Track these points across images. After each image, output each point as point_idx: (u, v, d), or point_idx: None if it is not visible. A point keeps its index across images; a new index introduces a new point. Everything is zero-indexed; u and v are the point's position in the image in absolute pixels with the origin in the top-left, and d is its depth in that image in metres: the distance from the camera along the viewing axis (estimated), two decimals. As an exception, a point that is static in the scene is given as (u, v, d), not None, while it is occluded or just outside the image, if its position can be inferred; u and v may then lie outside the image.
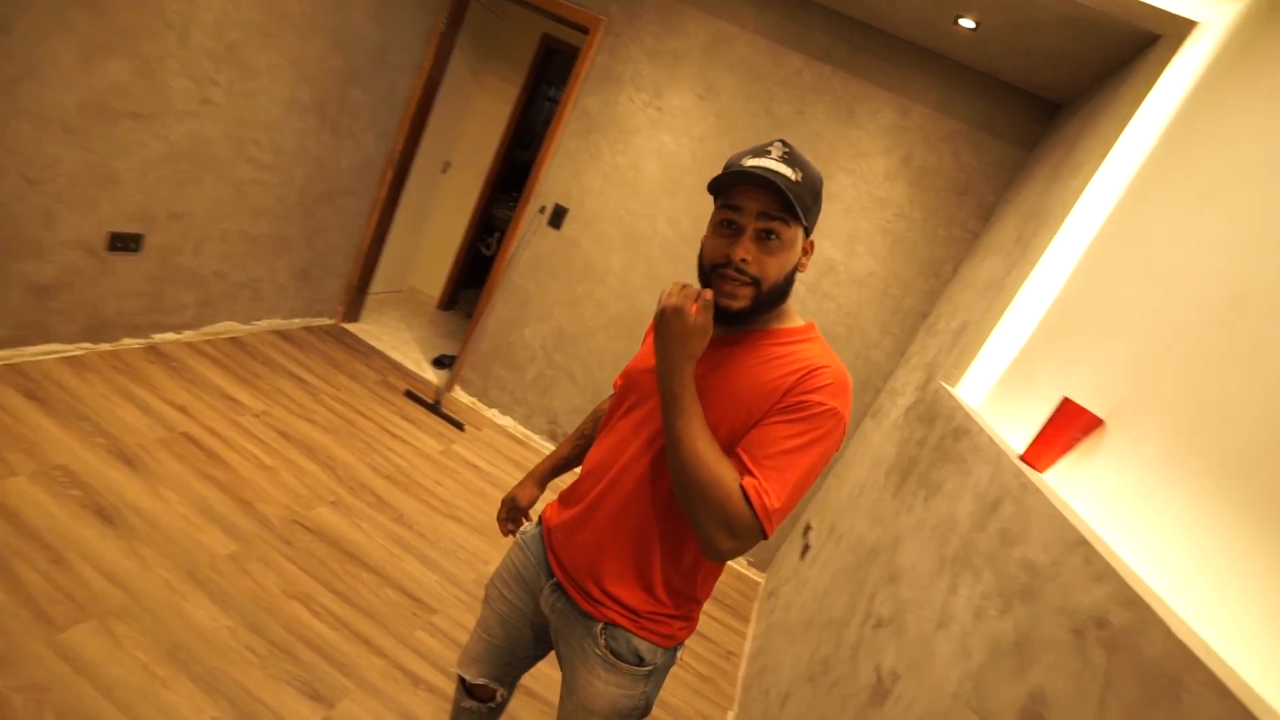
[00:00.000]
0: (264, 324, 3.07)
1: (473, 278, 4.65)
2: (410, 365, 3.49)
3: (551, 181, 2.98)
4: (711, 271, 0.87)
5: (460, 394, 3.34)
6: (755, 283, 0.85)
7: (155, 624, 1.51)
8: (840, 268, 2.68)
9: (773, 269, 0.86)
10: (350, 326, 3.60)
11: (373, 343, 3.53)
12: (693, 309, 0.82)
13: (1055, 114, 2.35)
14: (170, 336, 2.62)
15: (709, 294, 0.85)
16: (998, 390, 1.60)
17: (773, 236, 0.85)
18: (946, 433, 1.57)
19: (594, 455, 1.03)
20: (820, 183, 0.89)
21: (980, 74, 2.42)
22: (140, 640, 1.46)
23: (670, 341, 0.83)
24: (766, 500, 0.78)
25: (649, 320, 2.93)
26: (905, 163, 2.54)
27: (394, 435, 2.74)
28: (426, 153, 3.71)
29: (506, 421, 3.27)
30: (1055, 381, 1.31)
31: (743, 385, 0.87)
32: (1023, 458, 1.15)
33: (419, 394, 3.13)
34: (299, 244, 2.99)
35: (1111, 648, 0.69)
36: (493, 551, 2.31)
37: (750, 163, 0.84)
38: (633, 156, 2.85)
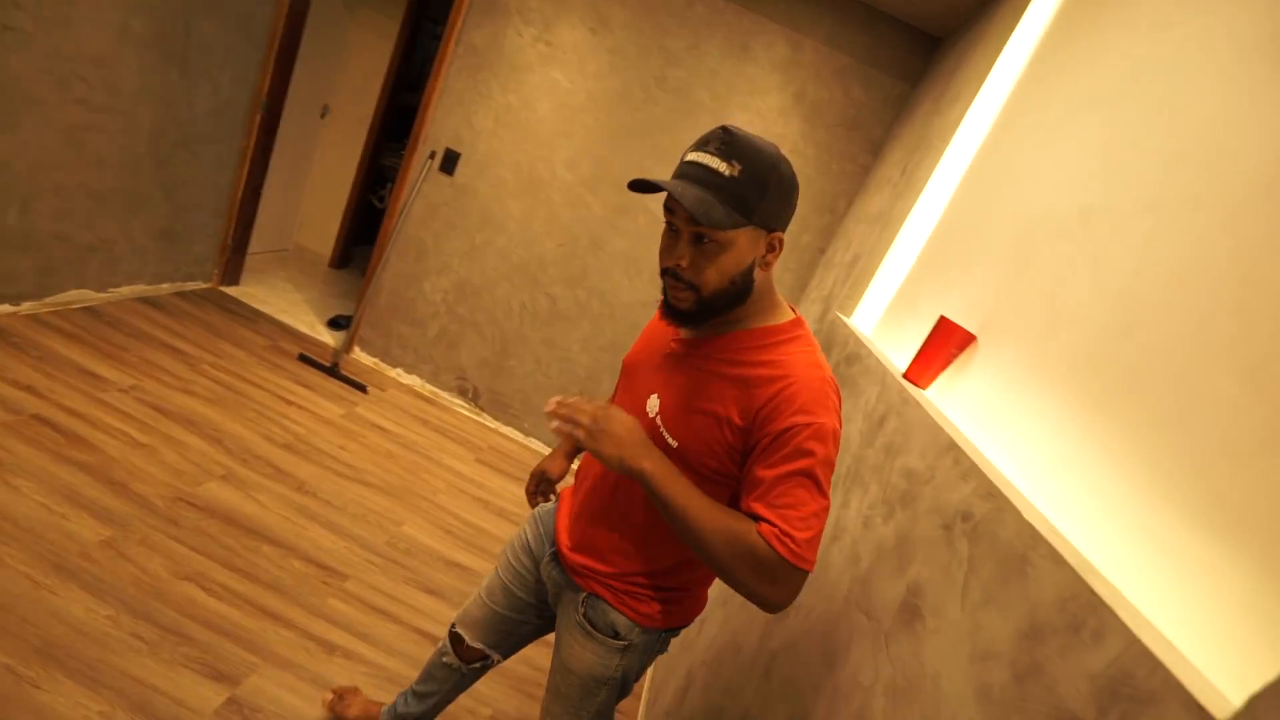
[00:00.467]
0: (125, 291, 2.75)
1: (366, 233, 4.36)
2: (303, 328, 3.26)
3: (440, 124, 2.79)
4: (661, 273, 0.86)
5: (360, 355, 3.17)
6: (693, 288, 0.82)
7: (19, 624, 1.37)
8: (742, 207, 2.70)
9: (710, 276, 0.80)
10: (230, 290, 3.30)
11: (258, 306, 3.26)
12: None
13: (937, 47, 2.43)
14: (5, 309, 2.30)
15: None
16: (887, 316, 1.69)
17: (705, 240, 0.79)
18: (841, 359, 1.65)
19: None
20: (772, 167, 0.78)
21: (865, 6, 2.45)
22: (1, 643, 1.32)
23: (606, 450, 0.81)
24: (790, 542, 0.74)
25: (554, 269, 2.87)
26: (799, 99, 2.56)
27: (289, 402, 2.57)
28: (300, 96, 3.37)
29: (413, 380, 3.15)
30: (935, 304, 1.39)
31: (713, 392, 0.85)
32: (905, 375, 1.22)
33: (314, 358, 2.94)
34: (156, 199, 2.68)
35: (974, 537, 0.76)
36: (405, 511, 2.25)
37: (689, 157, 0.79)
38: (525, 96, 2.72)
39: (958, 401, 1.10)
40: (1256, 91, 0.75)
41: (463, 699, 1.65)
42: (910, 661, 0.76)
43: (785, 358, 0.83)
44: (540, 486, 1.22)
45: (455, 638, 1.26)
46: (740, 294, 0.84)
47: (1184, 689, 0.43)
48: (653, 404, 0.92)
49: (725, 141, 0.77)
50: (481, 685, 1.72)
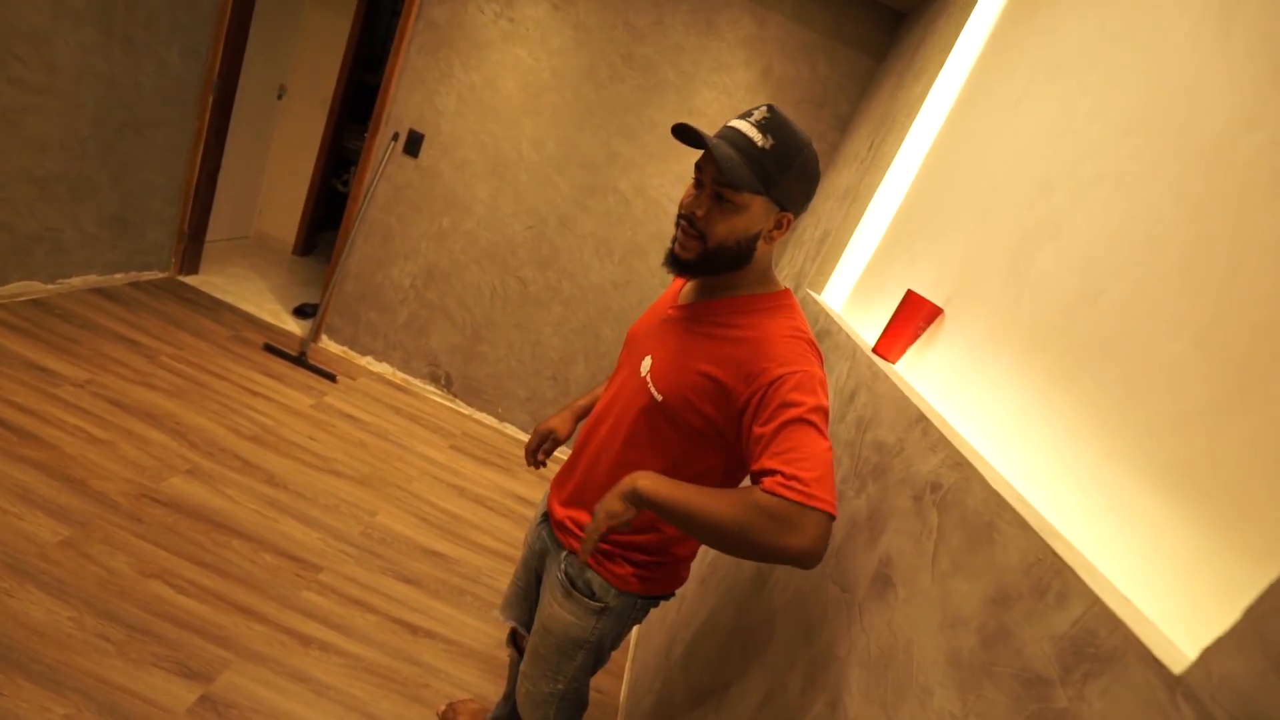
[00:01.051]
0: (76, 282, 2.64)
1: (331, 219, 4.25)
2: (267, 317, 3.18)
3: (402, 105, 2.71)
4: (677, 219, 0.91)
5: (329, 343, 3.10)
6: (701, 238, 0.87)
7: (-26, 629, 1.32)
8: (712, 185, 2.69)
9: (720, 229, 0.86)
10: (189, 279, 3.19)
11: (219, 295, 3.16)
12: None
13: (901, 22, 2.43)
14: (-54, 304, 2.19)
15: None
16: (856, 292, 1.70)
17: (725, 199, 0.84)
18: (813, 336, 1.65)
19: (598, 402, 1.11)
20: (798, 151, 0.84)
21: (834, -19, 2.43)
22: (-44, 649, 1.28)
23: (609, 504, 0.83)
24: (796, 484, 0.73)
25: (523, 251, 2.83)
26: (765, 75, 2.54)
27: (255, 393, 2.51)
28: (254, 75, 3.25)
29: (383, 368, 3.09)
30: (903, 278, 1.40)
31: (697, 350, 0.91)
32: (875, 350, 1.23)
33: (280, 347, 2.87)
34: (104, 185, 2.56)
35: (943, 507, 0.77)
36: (379, 501, 2.22)
37: (731, 124, 0.85)
38: (488, 74, 2.65)
39: (926, 374, 1.12)
40: (1206, 61, 0.76)
41: (446, 687, 1.65)
42: (883, 631, 0.78)
43: (765, 320, 0.89)
44: (544, 444, 1.23)
45: (511, 633, 1.33)
46: (740, 257, 0.89)
47: (1143, 645, 0.44)
48: (646, 364, 0.97)
49: (766, 117, 0.83)
50: (467, 675, 1.72)
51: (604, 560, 1.01)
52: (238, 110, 3.07)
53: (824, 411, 0.80)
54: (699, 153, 2.60)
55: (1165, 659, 0.43)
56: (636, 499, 0.81)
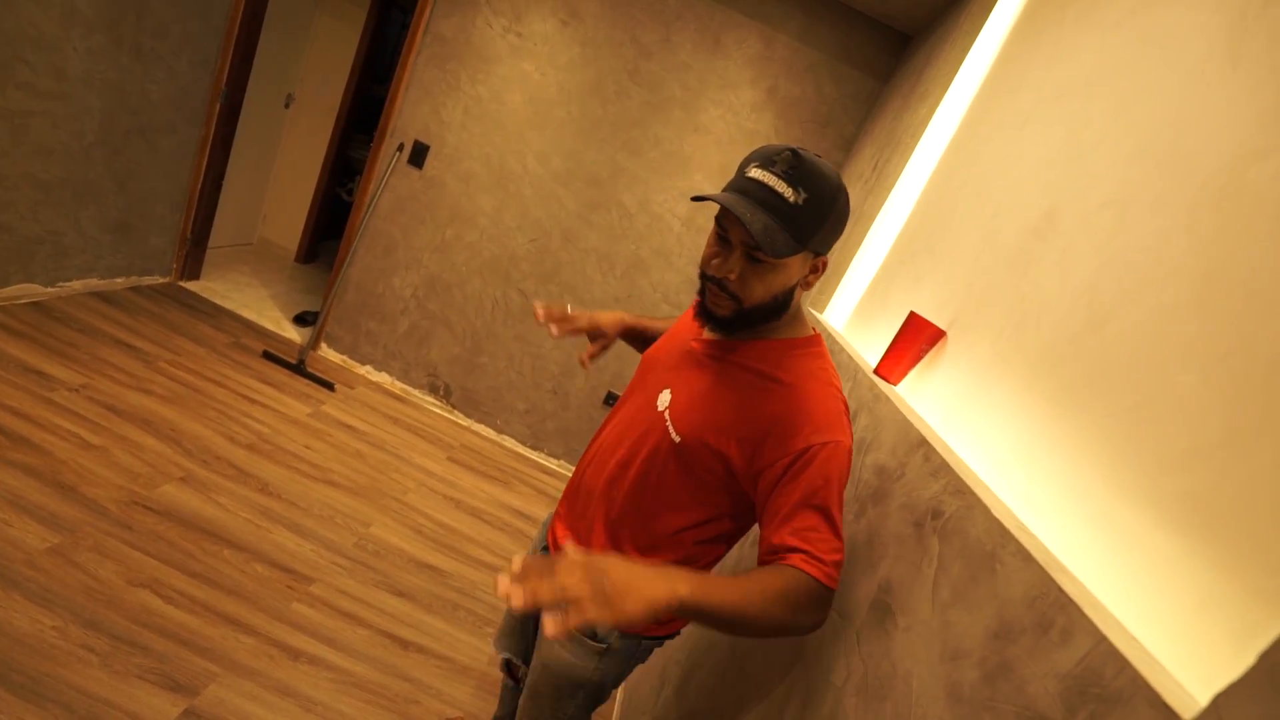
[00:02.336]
0: (76, 285, 2.64)
1: (334, 227, 4.26)
2: (268, 324, 3.17)
3: (409, 116, 2.73)
4: (702, 276, 0.87)
5: (328, 352, 3.09)
6: (736, 300, 0.83)
7: (-43, 636, 1.30)
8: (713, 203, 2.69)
9: (757, 291, 0.82)
10: (190, 285, 3.19)
11: (220, 302, 3.16)
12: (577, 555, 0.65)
13: (907, 45, 2.45)
14: (-55, 305, 2.19)
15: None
16: (858, 312, 1.69)
17: (760, 261, 0.80)
18: (841, 387, 1.64)
19: (602, 428, 1.06)
20: (833, 199, 0.78)
21: (838, 2, 2.45)
22: (-62, 657, 1.25)
23: (631, 608, 0.62)
24: (823, 565, 0.75)
25: (526, 264, 2.83)
26: (771, 94, 2.56)
27: (252, 401, 2.50)
28: (262, 84, 3.27)
29: (382, 378, 3.08)
30: (905, 300, 1.39)
31: (727, 395, 0.86)
32: (876, 371, 1.22)
33: (279, 355, 2.86)
34: (108, 190, 2.57)
35: (944, 535, 0.75)
36: (374, 512, 2.19)
37: (752, 174, 0.77)
38: (495, 88, 2.67)
39: (928, 397, 1.11)
40: (1214, 92, 0.76)
41: (436, 704, 1.62)
42: (881, 660, 0.76)
43: (801, 373, 0.85)
44: (585, 330, 1.13)
45: (504, 660, 1.28)
46: (779, 309, 0.86)
47: (1151, 688, 0.43)
48: (664, 398, 0.92)
49: (794, 166, 0.76)
50: (458, 692, 1.69)
51: None
52: (245, 118, 3.09)
53: (845, 484, 0.81)
54: (707, 172, 2.63)
55: (1175, 703, 0.41)
56: (680, 609, 0.66)
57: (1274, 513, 0.49)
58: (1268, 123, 0.66)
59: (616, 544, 0.97)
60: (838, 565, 0.76)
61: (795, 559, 0.74)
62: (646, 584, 0.64)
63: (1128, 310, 0.74)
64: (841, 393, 0.85)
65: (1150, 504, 0.60)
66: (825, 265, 0.86)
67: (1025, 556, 0.60)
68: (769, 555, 0.78)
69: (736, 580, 0.73)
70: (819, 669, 0.90)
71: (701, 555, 0.97)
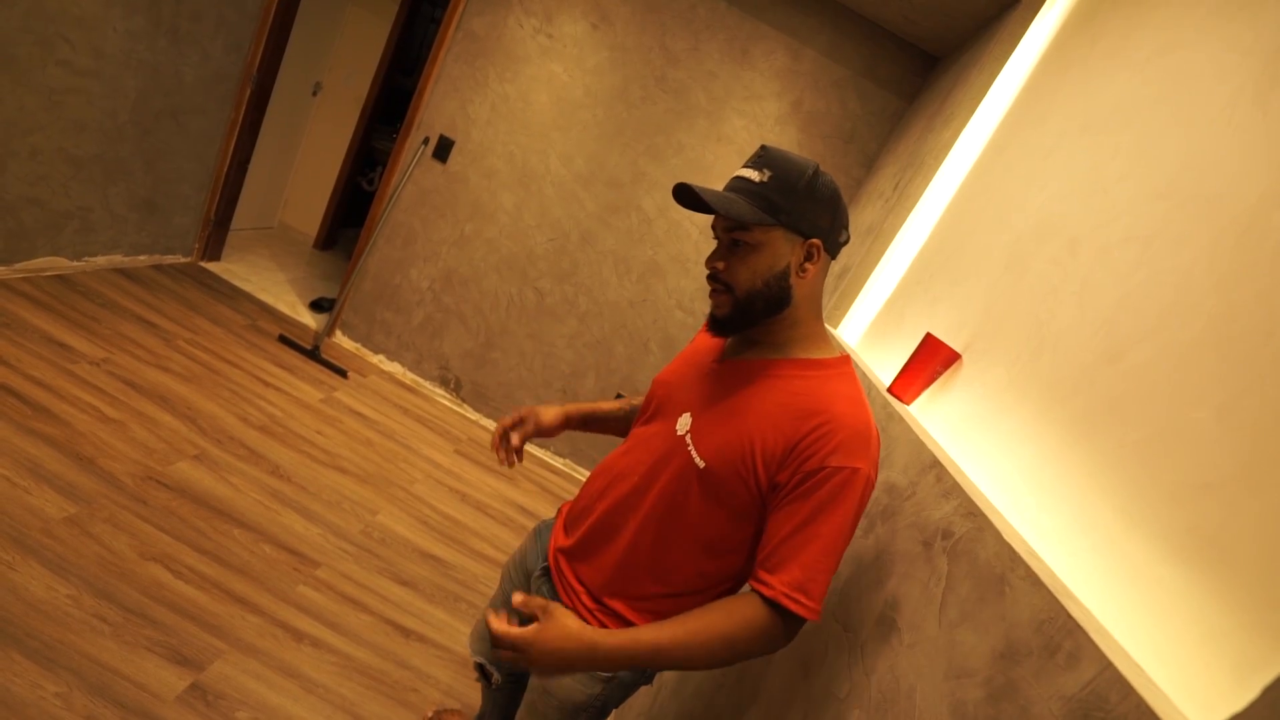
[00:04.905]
0: (100, 261, 2.68)
1: (354, 216, 4.31)
2: (284, 309, 3.21)
3: (435, 110, 2.76)
4: (708, 280, 0.90)
5: (342, 339, 3.13)
6: (730, 290, 0.85)
7: (-25, 599, 1.33)
8: (734, 211, 2.71)
9: (742, 275, 0.84)
10: (211, 266, 3.24)
11: (238, 284, 3.20)
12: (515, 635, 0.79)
13: (934, 66, 2.46)
14: (-26, 273, 2.23)
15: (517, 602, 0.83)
16: (873, 329, 1.71)
17: (740, 244, 0.84)
18: (873, 417, 1.65)
19: (612, 453, 1.03)
20: (800, 174, 0.81)
21: (867, 20, 2.47)
22: (-44, 618, 1.28)
23: (548, 663, 0.79)
24: (803, 598, 0.76)
25: (543, 263, 2.85)
26: (796, 108, 2.58)
27: (266, 383, 2.53)
28: (292, 71, 3.32)
29: (394, 368, 3.11)
30: (921, 320, 1.41)
31: (750, 417, 0.84)
32: (890, 390, 1.23)
33: (295, 339, 2.90)
34: (137, 169, 2.61)
35: (953, 555, 0.77)
36: (381, 500, 2.22)
37: (735, 173, 0.85)
38: (522, 87, 2.70)
39: (941, 418, 1.12)
40: (1243, 131, 0.77)
41: (435, 693, 1.64)
42: (885, 675, 0.77)
43: (828, 395, 0.82)
44: (522, 426, 1.11)
45: (477, 664, 1.25)
46: (775, 300, 0.85)
47: (1156, 715, 0.44)
48: (684, 422, 0.90)
49: (759, 155, 0.83)
50: (456, 682, 1.71)
51: (613, 627, 0.91)
52: (273, 104, 3.13)
53: (858, 516, 0.79)
54: (724, 181, 2.64)
55: (1178, 732, 0.43)
56: (596, 662, 0.80)
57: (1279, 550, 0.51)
58: (1294, 169, 0.67)
59: (626, 579, 0.93)
60: (805, 592, 0.76)
61: (776, 592, 0.76)
62: (563, 644, 0.79)
63: (1145, 344, 0.75)
64: (872, 421, 0.82)
65: (1159, 536, 0.62)
66: (819, 250, 0.84)
67: (1035, 581, 0.61)
68: (760, 556, 0.81)
69: (675, 623, 0.79)
70: (820, 680, 0.91)
71: (714, 590, 0.93)
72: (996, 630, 0.63)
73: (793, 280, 0.84)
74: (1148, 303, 0.78)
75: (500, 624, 0.80)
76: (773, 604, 0.77)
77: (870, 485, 0.79)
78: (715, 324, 0.89)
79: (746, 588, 0.83)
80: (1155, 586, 0.59)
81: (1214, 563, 0.56)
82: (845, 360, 0.89)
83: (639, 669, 0.98)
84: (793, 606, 0.75)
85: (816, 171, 0.83)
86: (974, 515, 0.76)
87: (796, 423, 0.80)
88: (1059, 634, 0.56)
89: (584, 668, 0.80)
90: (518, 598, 0.82)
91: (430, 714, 1.56)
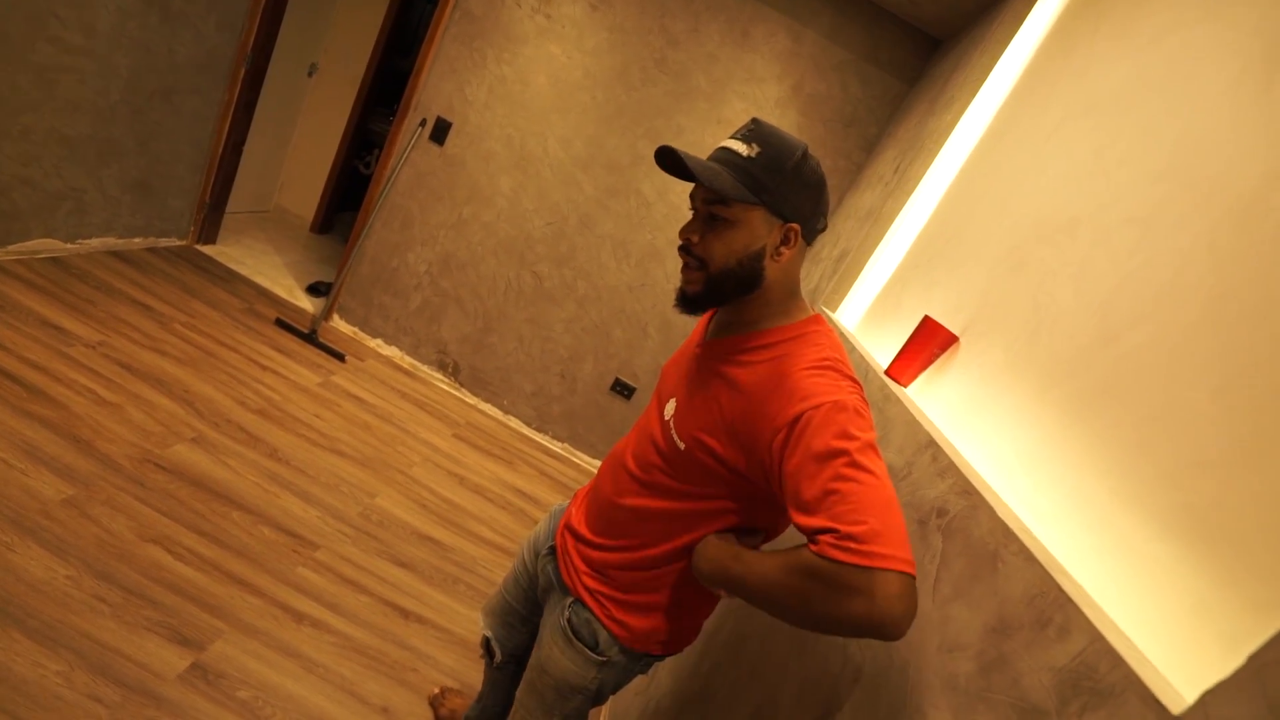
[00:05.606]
0: (95, 243, 2.67)
1: (350, 199, 4.28)
2: (281, 292, 3.20)
3: (433, 91, 2.73)
4: (680, 253, 0.87)
5: (339, 323, 3.12)
6: (702, 265, 0.83)
7: (-25, 578, 1.34)
8: (733, 196, 2.70)
9: (717, 251, 0.81)
10: (206, 249, 3.22)
11: (234, 267, 3.19)
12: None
13: (935, 50, 2.44)
14: (-32, 255, 2.22)
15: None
16: (871, 313, 1.71)
17: (718, 219, 0.81)
18: (845, 360, 1.66)
19: (620, 441, 1.05)
20: (789, 154, 0.79)
21: (869, 2, 2.44)
22: (-43, 597, 1.29)
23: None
24: (852, 543, 0.61)
25: (541, 247, 2.84)
26: (796, 90, 2.56)
27: (264, 367, 2.52)
28: (287, 52, 3.28)
29: (392, 352, 3.11)
30: (919, 303, 1.41)
31: (712, 393, 0.83)
32: (888, 372, 1.24)
33: (292, 323, 2.89)
34: (130, 149, 2.58)
35: (948, 532, 0.78)
36: (379, 483, 2.23)
37: (721, 144, 0.82)
38: (520, 68, 2.67)
39: (938, 400, 1.12)
40: (1244, 114, 0.77)
41: (434, 673, 1.66)
42: (879, 651, 0.79)
43: (785, 354, 0.79)
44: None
45: (484, 636, 1.27)
46: (747, 280, 0.82)
47: (1143, 684, 0.45)
48: (670, 408, 0.91)
49: (751, 129, 0.80)
50: (456, 663, 1.72)
51: (615, 610, 0.94)
52: (268, 84, 3.10)
53: (865, 444, 0.67)
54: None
55: (1164, 699, 0.44)
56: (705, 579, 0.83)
57: (1270, 528, 0.51)
58: (1294, 149, 0.67)
59: (626, 558, 0.94)
60: (877, 537, 0.60)
61: (820, 541, 0.63)
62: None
63: (1142, 326, 0.76)
64: (837, 363, 0.77)
65: (1151, 514, 0.62)
66: (797, 235, 0.81)
67: (1027, 556, 0.62)
68: (798, 528, 0.70)
69: (761, 556, 0.75)
70: (816, 657, 0.92)
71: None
72: (989, 605, 0.64)
73: (766, 263, 0.82)
74: (1145, 285, 0.78)
75: None
76: (825, 557, 0.63)
77: (855, 408, 0.70)
78: (684, 300, 0.87)
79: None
80: (1147, 562, 0.60)
81: (1205, 539, 0.56)
82: (814, 319, 0.85)
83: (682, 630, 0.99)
84: (838, 555, 0.61)
85: (805, 154, 0.81)
86: (969, 494, 0.77)
87: (761, 389, 0.77)
88: (1050, 608, 0.56)
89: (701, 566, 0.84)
90: None
91: (436, 691, 1.58)
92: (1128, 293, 0.80)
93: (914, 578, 0.60)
